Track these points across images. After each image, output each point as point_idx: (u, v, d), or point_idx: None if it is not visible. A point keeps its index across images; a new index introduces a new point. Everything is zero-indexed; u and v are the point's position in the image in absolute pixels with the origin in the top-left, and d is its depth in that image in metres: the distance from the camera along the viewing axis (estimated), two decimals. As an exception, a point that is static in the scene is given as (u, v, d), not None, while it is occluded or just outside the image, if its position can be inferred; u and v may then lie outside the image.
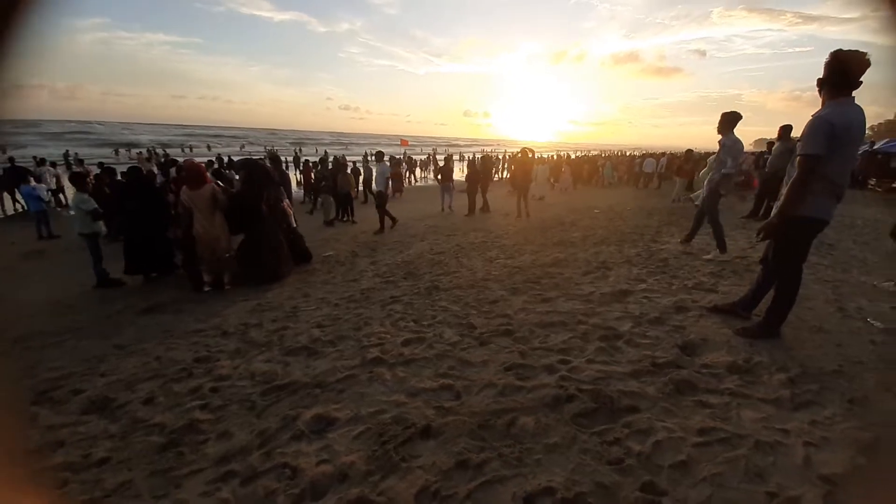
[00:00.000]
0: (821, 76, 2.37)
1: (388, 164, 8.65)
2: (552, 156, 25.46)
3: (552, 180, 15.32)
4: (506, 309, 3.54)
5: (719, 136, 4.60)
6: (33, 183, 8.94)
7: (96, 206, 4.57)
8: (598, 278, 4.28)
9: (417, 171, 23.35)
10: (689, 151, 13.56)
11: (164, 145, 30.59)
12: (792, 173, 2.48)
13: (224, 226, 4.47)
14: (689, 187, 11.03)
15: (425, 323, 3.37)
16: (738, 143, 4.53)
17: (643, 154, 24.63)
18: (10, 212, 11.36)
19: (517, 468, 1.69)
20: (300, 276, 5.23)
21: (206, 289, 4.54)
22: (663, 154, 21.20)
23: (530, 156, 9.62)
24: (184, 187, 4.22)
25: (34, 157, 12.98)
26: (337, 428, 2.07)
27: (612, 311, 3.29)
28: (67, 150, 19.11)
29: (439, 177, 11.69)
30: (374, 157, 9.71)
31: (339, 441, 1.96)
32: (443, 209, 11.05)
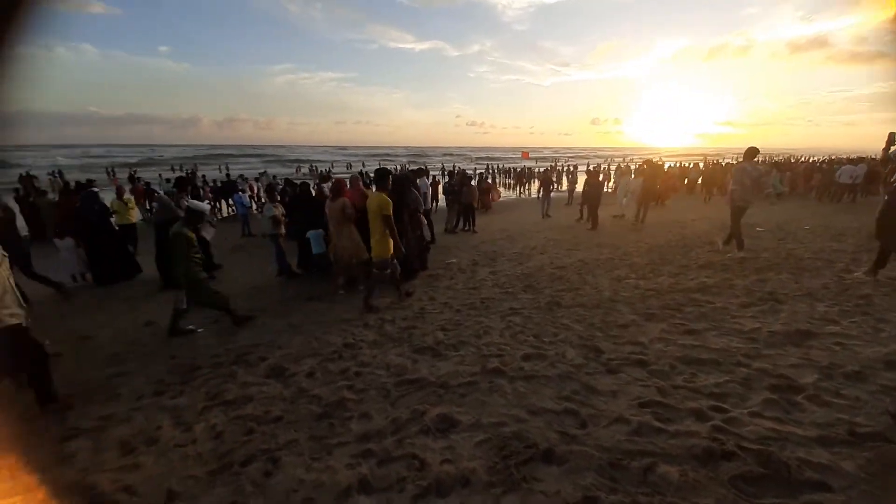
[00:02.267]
0: None
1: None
2: (695, 164, 22.12)
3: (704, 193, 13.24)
4: (638, 336, 3.20)
5: None
6: (240, 192, 11.83)
7: (276, 213, 5.79)
8: (765, 312, 3.54)
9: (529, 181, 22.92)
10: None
11: (317, 163, 36.76)
12: None
13: (353, 236, 4.92)
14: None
15: (546, 340, 3.28)
16: None
17: (829, 159, 19.47)
18: (225, 214, 15.06)
19: (656, 521, 1.51)
20: (425, 280, 5.64)
21: (340, 292, 5.05)
22: (861, 159, 16.46)
23: (655, 167, 8.68)
24: (328, 199, 4.96)
25: (240, 175, 17.36)
26: (459, 431, 2.17)
27: (787, 357, 2.67)
28: (265, 170, 24.91)
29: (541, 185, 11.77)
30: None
31: (462, 444, 2.05)
32: (543, 216, 11.66)
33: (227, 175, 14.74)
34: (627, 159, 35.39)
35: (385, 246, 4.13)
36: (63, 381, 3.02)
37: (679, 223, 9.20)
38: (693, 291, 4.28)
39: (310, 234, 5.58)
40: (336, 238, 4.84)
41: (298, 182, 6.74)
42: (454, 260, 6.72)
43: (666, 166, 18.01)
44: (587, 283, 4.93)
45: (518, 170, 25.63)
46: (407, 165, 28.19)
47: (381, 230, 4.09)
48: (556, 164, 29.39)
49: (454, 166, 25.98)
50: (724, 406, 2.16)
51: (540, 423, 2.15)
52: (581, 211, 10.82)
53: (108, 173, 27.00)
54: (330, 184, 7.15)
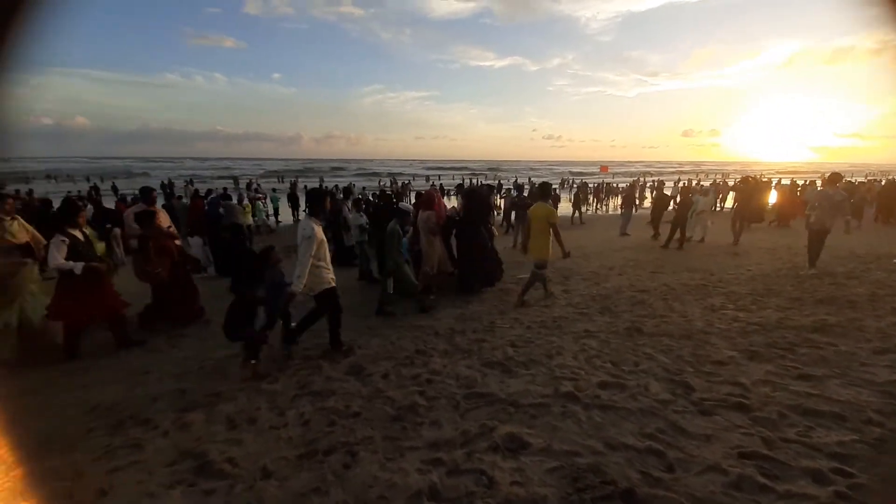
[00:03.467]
0: None
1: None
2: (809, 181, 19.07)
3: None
4: (738, 375, 2.85)
5: None
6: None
7: (361, 223, 6.28)
8: (909, 364, 2.92)
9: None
10: None
11: (398, 175, 38.83)
12: None
13: (436, 247, 5.12)
14: None
15: (625, 368, 3.07)
16: None
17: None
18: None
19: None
20: (495, 293, 5.62)
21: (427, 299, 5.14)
22: None
23: (754, 184, 7.76)
24: (419, 211, 5.24)
25: (335, 186, 19.39)
26: (530, 454, 2.12)
27: (941, 422, 2.18)
28: (352, 183, 27.43)
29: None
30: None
31: (532, 469, 2.00)
32: (621, 234, 10.96)
33: (297, 185, 16.45)
34: (721, 176, 31.54)
35: (546, 248, 4.77)
36: (190, 358, 3.57)
37: (790, 249, 8.00)
38: (809, 330, 3.69)
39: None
40: (423, 246, 5.10)
41: (381, 194, 7.27)
42: (525, 276, 6.60)
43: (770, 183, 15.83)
44: (674, 310, 4.51)
45: (595, 185, 24.47)
46: (480, 180, 28.53)
47: (543, 235, 4.70)
48: (641, 180, 27.45)
49: (529, 180, 25.68)
50: (851, 470, 1.82)
51: (619, 459, 2.01)
52: (655, 228, 10.07)
53: (234, 181, 31.23)
54: (403, 195, 7.43)
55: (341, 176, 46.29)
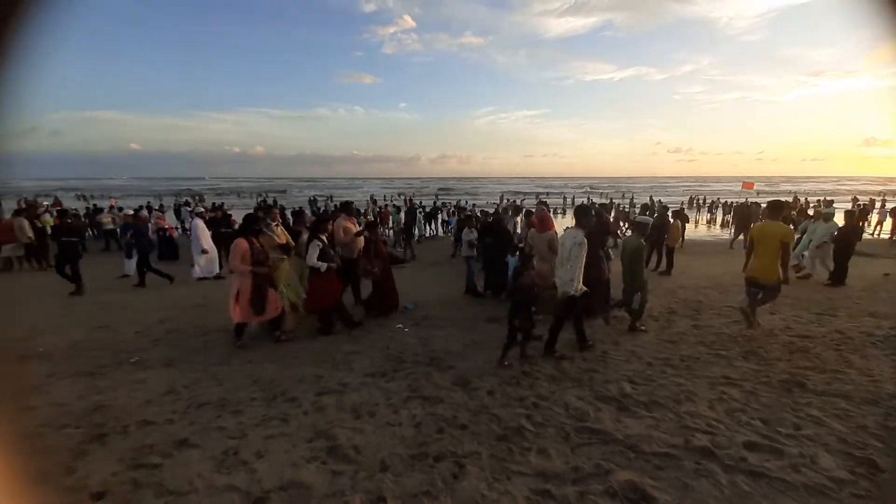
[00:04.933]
0: None
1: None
2: None
3: None
4: (964, 469, 2.11)
5: None
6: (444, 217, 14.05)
7: (471, 238, 6.53)
8: None
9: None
10: None
11: (508, 194, 39.01)
12: None
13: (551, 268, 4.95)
14: None
15: (782, 430, 2.53)
16: None
17: None
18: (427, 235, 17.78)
19: None
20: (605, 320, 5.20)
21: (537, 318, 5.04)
22: None
23: None
24: (531, 230, 5.18)
25: (443, 203, 20.71)
26: (654, 509, 1.89)
27: None
28: (459, 201, 28.71)
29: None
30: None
31: (658, 526, 1.79)
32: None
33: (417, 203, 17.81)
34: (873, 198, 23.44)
35: (775, 269, 4.45)
36: (322, 351, 4.12)
37: None
38: None
39: (509, 259, 5.98)
40: (540, 268, 4.93)
41: (491, 211, 7.45)
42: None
43: None
44: (852, 365, 3.57)
45: (733, 203, 20.90)
46: (586, 198, 26.96)
47: (774, 255, 4.41)
48: (800, 198, 22.65)
49: (652, 199, 23.29)
50: None
51: (774, 542, 1.66)
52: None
53: (370, 201, 34.93)
54: (524, 213, 7.37)
55: (452, 193, 48.35)
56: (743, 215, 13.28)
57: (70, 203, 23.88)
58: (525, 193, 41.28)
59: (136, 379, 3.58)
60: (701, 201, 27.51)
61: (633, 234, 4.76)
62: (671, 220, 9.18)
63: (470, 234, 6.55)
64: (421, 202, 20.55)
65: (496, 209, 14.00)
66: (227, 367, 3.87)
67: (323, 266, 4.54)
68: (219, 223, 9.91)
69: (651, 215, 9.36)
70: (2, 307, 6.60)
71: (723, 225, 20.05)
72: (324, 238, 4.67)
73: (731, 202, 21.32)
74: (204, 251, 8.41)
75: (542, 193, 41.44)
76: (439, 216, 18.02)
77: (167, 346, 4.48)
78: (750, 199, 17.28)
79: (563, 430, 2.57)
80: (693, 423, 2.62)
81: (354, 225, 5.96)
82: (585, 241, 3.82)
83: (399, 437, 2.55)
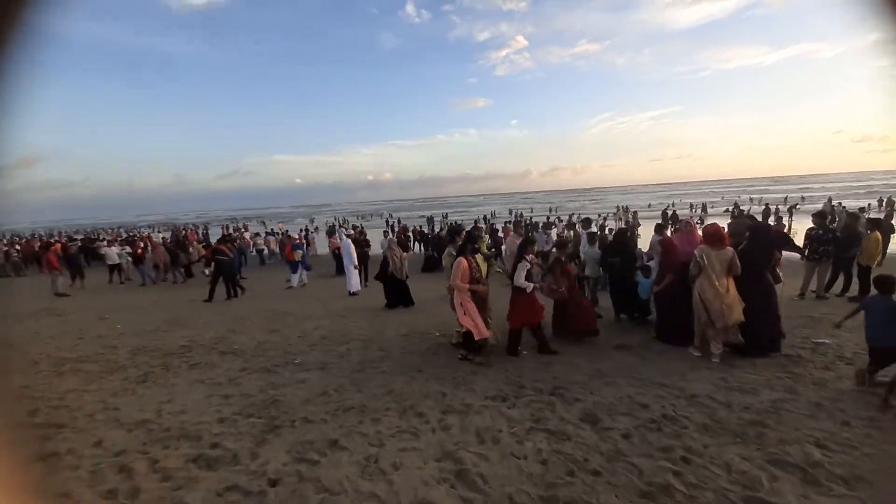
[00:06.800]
0: None
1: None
2: None
3: None
4: None
5: None
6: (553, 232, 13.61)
7: (597, 256, 6.11)
8: None
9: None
10: None
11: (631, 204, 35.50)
12: None
13: (733, 291, 4.21)
14: None
15: None
16: None
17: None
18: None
19: None
20: (775, 359, 4.23)
21: (719, 350, 4.24)
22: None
23: None
24: (702, 245, 4.39)
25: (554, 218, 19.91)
26: None
27: None
28: (572, 214, 27.43)
29: None
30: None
31: None
32: None
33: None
34: None
35: None
36: (445, 367, 4.31)
37: None
38: None
39: (640, 280, 5.47)
40: (717, 292, 4.16)
41: (616, 231, 6.84)
42: (826, 341, 4.67)
43: None
44: None
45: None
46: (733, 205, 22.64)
47: None
48: None
49: (831, 201, 18.49)
50: None
51: None
52: None
53: (485, 219, 35.11)
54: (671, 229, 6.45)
55: (574, 199, 46.13)
56: None
57: (255, 228, 30.94)
58: (655, 204, 36.81)
59: (299, 379, 4.28)
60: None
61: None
62: (866, 231, 7.11)
63: (595, 252, 6.11)
64: (531, 218, 20.15)
65: (621, 224, 12.81)
66: (363, 375, 4.33)
67: (529, 286, 4.55)
68: (360, 243, 11.46)
69: (832, 224, 7.39)
70: (191, 315, 8.63)
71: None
72: (530, 258, 4.67)
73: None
74: (355, 267, 9.71)
75: (669, 200, 36.42)
76: (553, 231, 17.46)
77: (320, 351, 5.25)
78: None
79: (727, 499, 2.16)
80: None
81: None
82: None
83: (526, 472, 2.48)
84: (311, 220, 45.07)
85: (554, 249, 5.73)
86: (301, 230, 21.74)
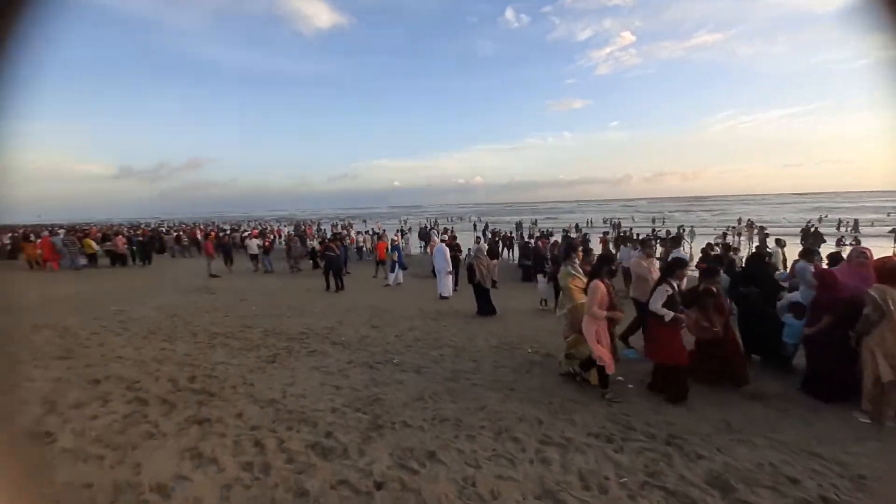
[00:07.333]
0: None
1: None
2: None
3: None
4: None
5: None
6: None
7: (726, 285, 5.27)
8: None
9: None
10: None
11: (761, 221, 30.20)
12: None
13: None
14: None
15: None
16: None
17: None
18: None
19: None
20: None
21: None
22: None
23: None
24: (879, 285, 3.48)
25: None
26: None
27: None
28: (682, 226, 24.82)
29: None
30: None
31: None
32: None
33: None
34: None
35: None
36: (539, 389, 4.14)
37: None
38: None
39: (788, 320, 4.55)
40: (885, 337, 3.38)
41: (750, 255, 5.71)
42: None
43: None
44: None
45: None
46: None
47: None
48: None
49: None
50: None
51: None
52: None
53: (576, 227, 33.38)
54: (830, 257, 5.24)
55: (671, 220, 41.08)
56: None
57: (358, 227, 34.14)
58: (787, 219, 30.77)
59: (398, 379, 4.51)
60: None
61: None
62: None
63: (724, 280, 5.26)
64: (630, 229, 18.37)
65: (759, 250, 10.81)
66: (457, 385, 4.38)
67: (669, 315, 3.92)
68: (451, 248, 11.76)
69: None
70: (301, 305, 9.64)
71: None
72: (675, 283, 4.07)
73: None
74: (448, 272, 9.98)
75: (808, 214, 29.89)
76: (685, 245, 15.71)
77: (416, 353, 5.49)
78: None
79: None
80: None
81: (651, 265, 5.43)
82: None
83: (640, 535, 2.22)
84: (405, 221, 47.79)
85: (698, 277, 4.76)
86: (397, 231, 23.35)
